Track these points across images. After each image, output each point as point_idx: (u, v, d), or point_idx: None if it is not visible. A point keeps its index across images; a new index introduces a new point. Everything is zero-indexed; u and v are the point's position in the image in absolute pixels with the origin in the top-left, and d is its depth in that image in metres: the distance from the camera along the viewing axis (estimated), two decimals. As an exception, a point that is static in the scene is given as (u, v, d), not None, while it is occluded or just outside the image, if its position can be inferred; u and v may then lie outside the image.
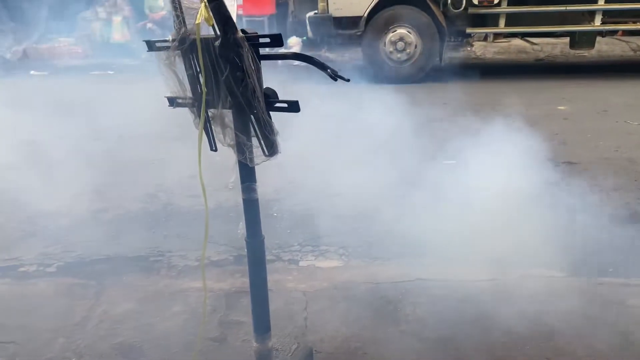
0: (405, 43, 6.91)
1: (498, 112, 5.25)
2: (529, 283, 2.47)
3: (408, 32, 6.89)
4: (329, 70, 1.30)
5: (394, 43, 6.93)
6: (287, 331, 2.19)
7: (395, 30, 6.91)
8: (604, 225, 2.86)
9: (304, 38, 8.89)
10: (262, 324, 1.53)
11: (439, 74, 7.23)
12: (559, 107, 5.57)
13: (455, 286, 2.47)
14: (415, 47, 6.91)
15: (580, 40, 7.21)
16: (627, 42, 8.59)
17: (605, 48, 8.77)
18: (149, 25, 9.40)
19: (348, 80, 1.31)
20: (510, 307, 2.28)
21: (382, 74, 7.03)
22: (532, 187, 2.93)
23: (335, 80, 1.30)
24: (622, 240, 2.72)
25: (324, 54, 9.08)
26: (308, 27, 7.42)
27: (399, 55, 6.96)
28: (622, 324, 2.19)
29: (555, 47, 8.99)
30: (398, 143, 3.93)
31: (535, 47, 8.70)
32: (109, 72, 8.51)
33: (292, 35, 9.11)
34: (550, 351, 2.03)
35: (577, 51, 8.03)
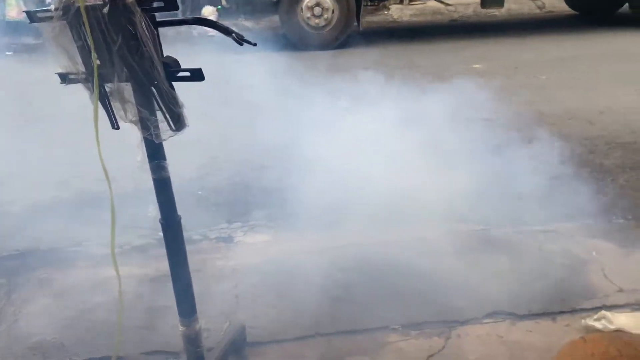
0: (322, 8, 6.83)
1: (416, 72, 5.33)
2: (453, 238, 2.54)
3: (324, -3, 6.81)
4: (233, 34, 1.22)
5: (310, 8, 6.82)
6: (219, 310, 2.13)
7: (312, -4, 6.81)
8: (520, 176, 2.99)
9: (219, 7, 8.57)
10: (186, 307, 1.47)
11: (358, 39, 7.22)
12: (474, 66, 5.73)
13: (384, 247, 2.50)
14: (333, 12, 6.85)
15: (491, -1, 7.44)
16: (533, 0, 8.93)
17: (514, 7, 9.10)
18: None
19: (254, 45, 1.24)
20: (436, 263, 2.34)
21: (301, 40, 6.92)
22: (451, 144, 3.00)
23: (241, 44, 1.22)
24: (537, 190, 2.85)
25: (241, 23, 8.81)
26: (222, -5, 7.16)
27: (316, 20, 6.87)
28: (540, 267, 2.31)
29: (468, 8, 9.22)
30: (322, 111, 3.90)
31: (449, 7, 8.88)
32: (7, 53, 7.83)
33: (206, 5, 8.75)
34: (476, 299, 2.11)
35: (488, 10, 8.27)
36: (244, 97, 4.07)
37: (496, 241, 2.51)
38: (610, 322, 1.91)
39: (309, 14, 6.84)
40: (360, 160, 2.85)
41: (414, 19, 9.31)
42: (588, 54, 5.99)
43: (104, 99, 1.30)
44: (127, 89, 1.26)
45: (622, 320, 1.94)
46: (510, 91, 4.76)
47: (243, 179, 3.21)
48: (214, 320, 2.07)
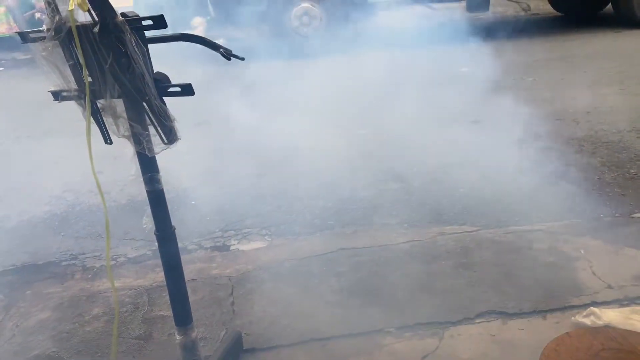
0: (310, 17, 6.89)
1: (403, 80, 5.37)
2: (444, 240, 2.58)
3: (312, 5, 6.87)
4: (221, 49, 1.26)
5: (299, 17, 6.88)
6: (215, 319, 2.16)
7: (300, 4, 6.87)
8: (510, 176, 3.04)
9: (208, 17, 8.60)
10: (182, 316, 1.50)
11: (346, 45, 7.27)
12: (461, 69, 5.79)
13: (376, 251, 2.54)
14: (321, 20, 6.91)
15: (476, 3, 7.51)
16: (518, 2, 9.03)
17: (500, 9, 9.20)
18: (38, 15, 8.71)
19: (242, 59, 1.27)
20: (429, 264, 2.39)
21: (292, 48, 6.98)
22: (436, 148, 3.05)
23: (229, 59, 1.26)
24: (525, 190, 2.90)
25: (231, 33, 8.85)
26: (210, 5, 7.20)
27: (305, 29, 6.93)
28: (530, 266, 2.35)
29: (455, 12, 9.31)
30: (307, 119, 3.97)
31: (436, 12, 8.95)
32: (-1, 69, 7.85)
33: (195, 16, 8.78)
34: (468, 300, 2.15)
35: (474, 14, 8.36)
36: (230, 108, 4.11)
37: (486, 242, 2.55)
38: (599, 318, 1.95)
39: (297, 23, 6.90)
40: (349, 165, 2.89)
41: (405, 24, 9.38)
42: (573, 55, 6.08)
43: (97, 115, 1.33)
44: (119, 104, 1.29)
45: (610, 315, 1.98)
46: (498, 93, 4.82)
47: (236, 187, 3.24)
48: (211, 329, 2.10)
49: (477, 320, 2.06)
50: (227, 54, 1.26)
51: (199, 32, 7.73)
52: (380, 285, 2.29)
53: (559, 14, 8.71)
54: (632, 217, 2.71)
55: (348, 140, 3.37)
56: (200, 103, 3.26)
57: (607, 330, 1.29)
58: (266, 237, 2.78)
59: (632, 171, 3.18)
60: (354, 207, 2.95)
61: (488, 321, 2.05)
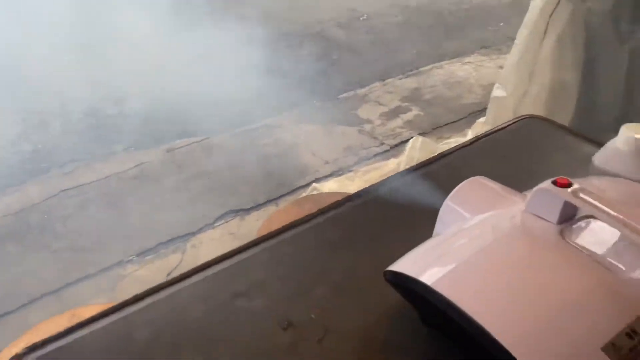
0: None
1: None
2: (173, 156, 2.52)
3: None
4: None
5: None
6: None
7: None
8: (224, 79, 3.05)
9: None
10: None
11: None
12: None
13: (104, 183, 2.35)
14: None
15: None
16: None
17: None
18: None
19: None
20: (161, 183, 2.32)
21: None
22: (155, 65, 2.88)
23: None
24: (241, 90, 2.96)
25: None
26: None
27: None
28: (258, 161, 2.45)
29: None
30: None
31: None
32: None
33: None
34: (207, 208, 2.16)
35: None
36: None
37: (216, 148, 2.57)
38: (320, 191, 2.17)
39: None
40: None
41: None
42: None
43: None
44: None
45: (330, 186, 2.22)
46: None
47: None
48: None
49: (217, 224, 2.10)
50: None
51: None
52: (113, 218, 2.14)
53: None
54: (338, 98, 3.02)
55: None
56: None
57: (312, 197, 1.42)
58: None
59: (334, 57, 3.50)
60: (70, 142, 2.63)
61: (227, 221, 2.11)
